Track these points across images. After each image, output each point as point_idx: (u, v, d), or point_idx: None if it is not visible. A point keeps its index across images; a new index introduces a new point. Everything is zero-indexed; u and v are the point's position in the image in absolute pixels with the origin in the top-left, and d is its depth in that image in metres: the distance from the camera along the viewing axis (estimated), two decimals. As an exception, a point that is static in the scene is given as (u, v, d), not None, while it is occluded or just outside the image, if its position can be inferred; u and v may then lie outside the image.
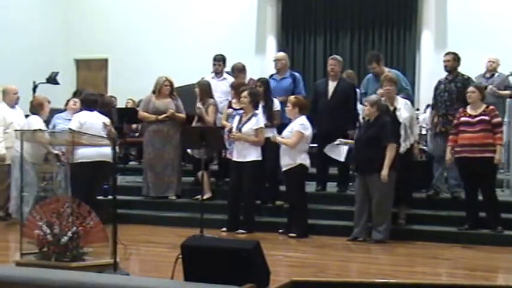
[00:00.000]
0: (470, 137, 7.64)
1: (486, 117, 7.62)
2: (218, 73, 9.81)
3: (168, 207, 9.14)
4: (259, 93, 8.44)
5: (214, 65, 9.84)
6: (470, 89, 7.83)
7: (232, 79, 9.72)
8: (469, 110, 7.75)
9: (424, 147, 8.95)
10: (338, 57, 9.18)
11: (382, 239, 7.62)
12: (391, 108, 7.91)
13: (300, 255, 7.28)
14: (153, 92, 9.26)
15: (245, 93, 8.26)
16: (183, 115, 9.21)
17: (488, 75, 10.04)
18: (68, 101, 9.36)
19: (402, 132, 7.80)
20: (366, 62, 8.93)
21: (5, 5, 12.82)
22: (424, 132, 9.45)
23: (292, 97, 8.23)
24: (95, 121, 8.11)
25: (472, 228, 7.78)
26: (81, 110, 8.45)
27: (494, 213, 7.77)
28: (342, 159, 8.43)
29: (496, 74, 10.03)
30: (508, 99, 9.61)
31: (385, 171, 7.47)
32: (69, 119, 8.53)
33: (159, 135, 9.16)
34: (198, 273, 4.69)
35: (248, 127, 8.16)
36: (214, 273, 4.59)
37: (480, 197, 7.88)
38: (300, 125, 7.94)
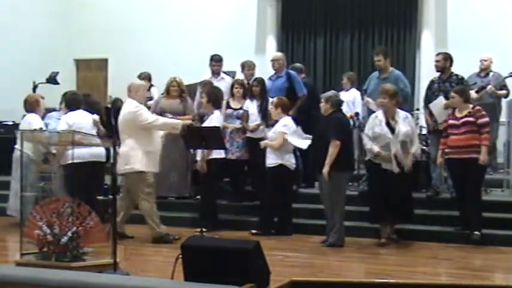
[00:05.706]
0: (456, 139, 7.64)
1: (471, 119, 7.61)
2: (216, 73, 9.84)
3: (168, 207, 9.13)
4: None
5: (213, 65, 9.88)
6: (452, 94, 7.86)
7: (229, 79, 9.79)
8: (456, 112, 7.77)
9: (425, 148, 8.93)
10: None
11: (333, 243, 7.53)
12: (392, 122, 7.62)
13: (300, 255, 7.29)
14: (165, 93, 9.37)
15: (203, 93, 8.39)
16: (189, 117, 9.19)
17: (482, 74, 9.99)
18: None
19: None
20: (373, 54, 8.91)
21: (5, 5, 12.81)
22: (424, 132, 9.42)
23: (274, 98, 8.30)
24: (83, 120, 8.01)
25: (466, 229, 7.74)
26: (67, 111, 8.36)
27: (476, 214, 7.61)
28: (304, 146, 8.12)
29: (491, 74, 9.96)
30: (503, 99, 9.63)
31: (325, 169, 7.37)
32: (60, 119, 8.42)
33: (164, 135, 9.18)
34: (198, 273, 4.70)
35: None
36: (214, 273, 4.59)
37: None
38: (283, 126, 8.00)
